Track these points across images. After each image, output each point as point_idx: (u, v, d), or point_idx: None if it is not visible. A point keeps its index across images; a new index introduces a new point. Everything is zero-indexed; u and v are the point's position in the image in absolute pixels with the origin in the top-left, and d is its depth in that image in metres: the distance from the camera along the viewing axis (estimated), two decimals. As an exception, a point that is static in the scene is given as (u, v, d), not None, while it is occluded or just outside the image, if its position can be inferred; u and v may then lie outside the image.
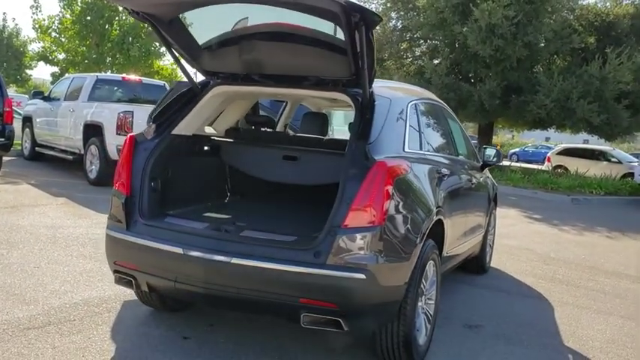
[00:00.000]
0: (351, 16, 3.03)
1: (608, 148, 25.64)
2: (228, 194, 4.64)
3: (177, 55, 3.91)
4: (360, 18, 3.02)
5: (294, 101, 5.59)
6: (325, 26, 3.43)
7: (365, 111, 3.54)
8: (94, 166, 10.38)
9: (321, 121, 4.90)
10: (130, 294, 4.60)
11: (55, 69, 21.40)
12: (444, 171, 4.27)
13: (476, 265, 6.11)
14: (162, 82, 13.04)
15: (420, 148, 4.05)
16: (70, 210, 7.91)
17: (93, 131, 10.36)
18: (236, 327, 4.17)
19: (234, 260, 3.19)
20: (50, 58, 20.83)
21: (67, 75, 16.07)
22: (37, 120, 12.72)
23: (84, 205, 8.25)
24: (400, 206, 3.34)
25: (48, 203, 8.27)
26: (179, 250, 3.30)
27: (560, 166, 21.65)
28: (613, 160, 23.08)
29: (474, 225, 5.35)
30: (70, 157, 11.28)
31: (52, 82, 23.10)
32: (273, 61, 3.81)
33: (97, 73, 12.94)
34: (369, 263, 3.13)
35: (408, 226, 3.40)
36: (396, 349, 3.49)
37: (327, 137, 4.55)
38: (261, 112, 5.29)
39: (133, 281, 3.54)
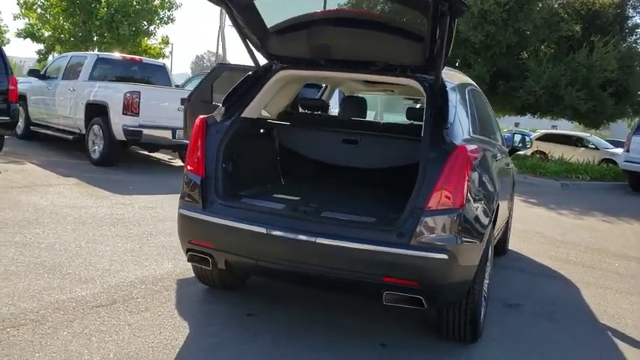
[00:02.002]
0: (440, 5, 3.13)
1: (586, 135, 26.19)
2: (287, 177, 4.72)
3: (245, 38, 3.97)
4: (448, 7, 3.13)
5: (335, 85, 5.67)
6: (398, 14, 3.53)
7: (436, 97, 3.66)
8: (96, 147, 10.30)
9: (361, 104, 5.01)
10: (182, 272, 4.69)
11: (41, 46, 20.98)
12: (497, 155, 4.43)
13: (499, 247, 6.31)
14: (161, 62, 12.95)
15: (479, 133, 4.19)
16: (85, 190, 7.88)
17: (96, 111, 10.27)
18: (298, 303, 4.29)
19: (319, 240, 3.29)
20: (37, 35, 20.39)
21: (57, 54, 15.78)
22: (32, 98, 12.52)
23: (96, 186, 8.22)
24: (476, 189, 3.48)
25: (60, 183, 8.22)
26: (262, 230, 3.39)
27: (539, 152, 22.08)
28: (590, 146, 23.62)
29: (507, 208, 5.55)
30: (70, 136, 11.16)
31: (39, 61, 22.62)
32: (341, 46, 3.89)
33: (97, 52, 12.76)
34: (451, 244, 3.26)
35: (484, 208, 3.55)
36: (463, 326, 3.65)
37: (382, 122, 4.66)
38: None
39: (210, 259, 3.62)
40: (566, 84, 16.69)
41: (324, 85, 5.83)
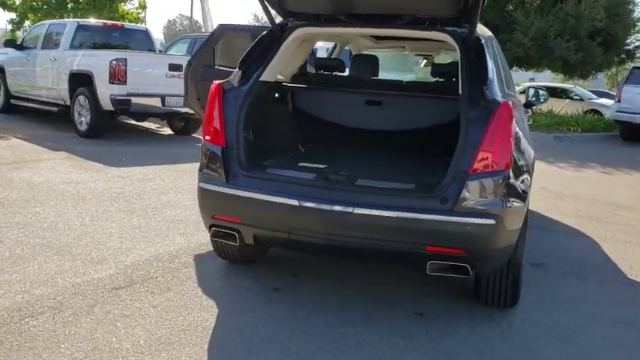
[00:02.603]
0: None
1: (570, 86, 26.12)
2: (307, 143, 4.48)
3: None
4: None
5: (344, 43, 5.40)
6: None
7: (470, 51, 3.43)
8: (83, 118, 9.91)
9: (373, 62, 4.77)
10: (196, 247, 4.48)
11: (13, 15, 20.13)
12: (522, 111, 4.24)
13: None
14: (144, 27, 12.47)
15: (509, 88, 3.99)
16: (78, 164, 7.58)
17: (80, 81, 9.86)
18: (323, 275, 4.11)
19: (357, 210, 3.09)
20: (8, 3, 19.56)
21: (30, 23, 15.15)
22: (10, 70, 12.01)
23: (88, 159, 7.92)
24: (519, 148, 3.30)
25: (50, 158, 7.90)
26: (294, 202, 3.18)
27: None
28: (575, 97, 23.56)
29: None
30: (55, 108, 10.74)
31: (12, 30, 21.77)
32: None
33: (76, 19, 12.24)
34: (498, 208, 3.09)
35: (526, 167, 3.37)
36: (504, 291, 3.51)
37: (407, 80, 4.43)
38: None
39: (237, 235, 3.41)
40: (555, 35, 16.44)
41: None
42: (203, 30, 29.33)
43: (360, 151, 4.24)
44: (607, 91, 30.62)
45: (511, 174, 3.14)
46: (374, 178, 3.39)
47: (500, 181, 3.09)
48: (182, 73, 9.72)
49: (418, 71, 8.65)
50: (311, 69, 5.22)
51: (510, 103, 3.23)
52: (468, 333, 3.39)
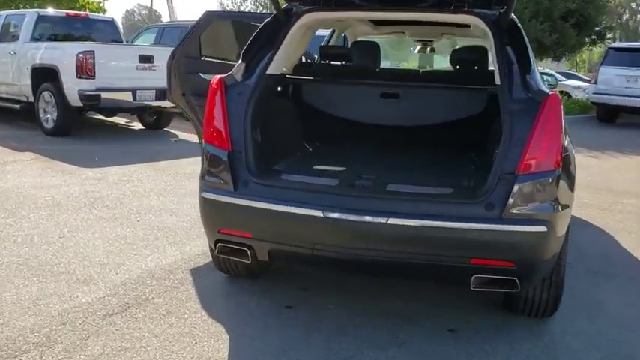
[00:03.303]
0: None
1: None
2: (319, 143, 4.06)
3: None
4: None
5: (344, 29, 4.98)
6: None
7: (504, 36, 3.06)
8: (49, 115, 9.31)
9: (375, 50, 4.38)
10: (190, 259, 4.07)
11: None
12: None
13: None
14: (109, 17, 11.81)
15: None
16: (47, 166, 7.03)
17: (44, 75, 9.24)
18: (335, 289, 3.72)
19: (391, 221, 2.71)
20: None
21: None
22: (-35, 65, 11.24)
23: (58, 160, 7.37)
24: (566, 145, 2.95)
25: (16, 160, 7.33)
26: (318, 213, 2.78)
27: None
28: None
29: None
30: (17, 105, 10.08)
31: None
32: None
33: (36, 9, 11.51)
34: (549, 213, 2.75)
35: (572, 166, 3.02)
36: (545, 300, 3.18)
37: (423, 69, 4.04)
38: None
39: (249, 251, 3.00)
40: (529, 17, 16.28)
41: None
42: (165, 20, 28.41)
43: (379, 150, 3.85)
44: (574, 72, 30.83)
45: (562, 174, 2.80)
46: (404, 182, 3.01)
47: (551, 182, 2.75)
48: (153, 65, 9.31)
49: (414, 59, 8.27)
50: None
51: (557, 95, 2.88)
52: (509, 350, 3.05)
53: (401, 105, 3.82)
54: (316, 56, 5.13)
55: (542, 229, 2.70)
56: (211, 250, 3.47)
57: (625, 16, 47.66)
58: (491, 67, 3.59)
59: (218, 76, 3.17)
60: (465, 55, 3.99)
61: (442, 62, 7.68)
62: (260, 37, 3.32)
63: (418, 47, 6.30)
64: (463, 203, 2.77)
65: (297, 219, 2.83)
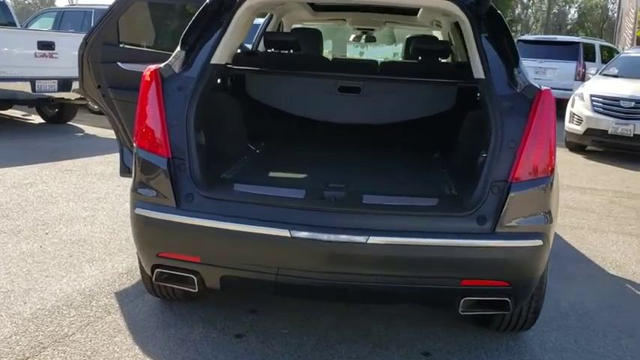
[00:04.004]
0: None
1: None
2: (270, 144, 3.55)
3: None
4: None
5: (281, 14, 4.48)
6: None
7: (482, 23, 2.71)
8: None
9: (317, 37, 3.96)
10: (114, 280, 3.53)
11: None
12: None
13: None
14: (0, -1, 10.63)
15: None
16: None
17: None
18: (286, 309, 3.26)
19: (373, 240, 2.29)
20: None
21: None
22: None
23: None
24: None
25: None
26: (283, 233, 2.32)
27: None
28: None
29: None
30: None
31: None
32: None
33: None
34: (543, 224, 2.45)
35: (556, 168, 2.72)
36: (525, 314, 2.87)
37: (381, 60, 3.63)
38: None
39: (195, 278, 2.49)
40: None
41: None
42: (60, 3, 26.55)
43: (341, 152, 3.40)
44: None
45: (554, 179, 2.49)
46: (380, 192, 2.60)
47: (546, 189, 2.44)
48: (54, 52, 8.41)
49: (353, 50, 7.83)
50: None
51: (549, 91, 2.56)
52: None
53: (362, 100, 3.40)
54: (249, 46, 4.65)
55: (539, 242, 2.40)
56: (142, 271, 2.93)
57: (517, 10, 49.50)
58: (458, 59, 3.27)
59: (152, 66, 2.62)
60: (427, 45, 3.62)
61: (385, 53, 7.34)
62: (201, 20, 2.79)
63: (353, 36, 5.92)
64: (452, 216, 2.39)
65: (258, 240, 2.36)
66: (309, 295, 2.74)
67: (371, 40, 5.84)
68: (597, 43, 15.99)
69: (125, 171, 3.75)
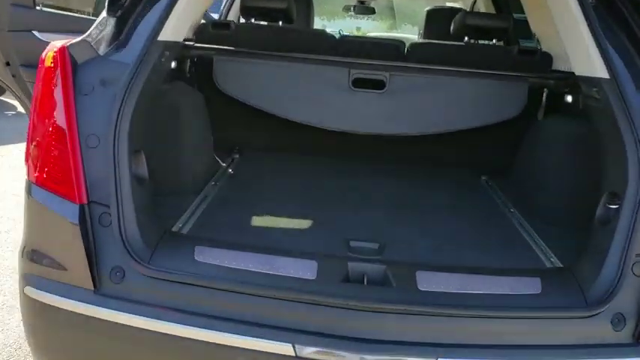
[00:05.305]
0: None
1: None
2: (249, 164, 2.47)
3: None
4: None
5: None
6: None
7: None
8: None
9: (307, 5, 2.95)
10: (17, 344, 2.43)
11: None
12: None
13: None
14: None
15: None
16: None
17: None
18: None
19: None
20: None
21: None
22: None
23: None
24: None
25: None
26: (283, 349, 1.31)
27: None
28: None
29: None
30: None
31: None
32: None
33: None
34: None
35: None
36: None
37: (413, 41, 2.59)
38: None
39: None
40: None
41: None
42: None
43: (357, 179, 2.34)
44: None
45: None
46: (439, 264, 1.58)
47: None
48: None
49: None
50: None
51: None
52: None
53: (387, 100, 2.33)
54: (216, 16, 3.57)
55: None
56: None
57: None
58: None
59: (58, 42, 1.54)
60: (480, 20, 2.55)
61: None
62: None
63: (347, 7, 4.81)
64: (570, 317, 1.42)
65: (239, 356, 1.35)
66: None
67: (367, 12, 4.71)
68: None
69: None
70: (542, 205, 2.01)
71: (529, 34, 2.97)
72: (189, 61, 2.40)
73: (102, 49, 1.60)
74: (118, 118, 1.49)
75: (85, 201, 1.46)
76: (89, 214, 1.46)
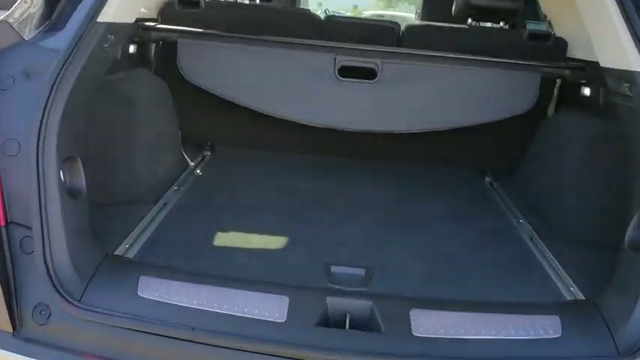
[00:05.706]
0: None
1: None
2: (218, 169, 2.20)
3: None
4: None
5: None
6: None
7: None
8: None
9: None
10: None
11: None
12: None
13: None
14: None
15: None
16: None
17: None
18: None
19: None
20: None
21: None
22: None
23: None
24: None
25: None
26: None
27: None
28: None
29: None
30: None
31: None
32: None
33: None
34: None
35: None
36: None
37: (408, 23, 2.29)
38: None
39: None
40: None
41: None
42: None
43: (343, 184, 2.07)
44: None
45: None
46: (439, 300, 1.32)
47: None
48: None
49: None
50: None
51: None
52: None
53: (379, 91, 2.05)
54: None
55: None
56: None
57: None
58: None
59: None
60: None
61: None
62: None
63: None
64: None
65: None
66: None
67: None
68: None
69: None
70: (556, 218, 1.75)
71: (532, 15, 2.68)
72: (154, 45, 2.11)
73: (27, 33, 1.31)
74: (43, 118, 1.21)
75: (1, 222, 1.19)
76: (7, 238, 1.18)
